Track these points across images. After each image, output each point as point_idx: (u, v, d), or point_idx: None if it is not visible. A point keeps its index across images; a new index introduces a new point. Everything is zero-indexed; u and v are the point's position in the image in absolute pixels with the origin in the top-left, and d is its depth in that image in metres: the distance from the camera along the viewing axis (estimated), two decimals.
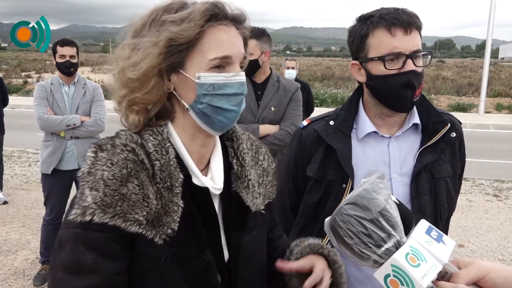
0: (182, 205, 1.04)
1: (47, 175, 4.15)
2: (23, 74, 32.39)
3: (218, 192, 1.14)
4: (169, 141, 1.08)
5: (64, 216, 1.03)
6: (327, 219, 1.13)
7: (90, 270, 0.96)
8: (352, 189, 1.54)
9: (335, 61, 56.70)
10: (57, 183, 4.17)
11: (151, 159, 1.03)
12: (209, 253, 1.08)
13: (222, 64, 1.05)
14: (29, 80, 27.46)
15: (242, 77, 1.08)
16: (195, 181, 1.10)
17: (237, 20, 1.09)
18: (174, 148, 1.08)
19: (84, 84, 4.27)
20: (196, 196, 1.09)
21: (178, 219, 1.03)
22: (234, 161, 1.20)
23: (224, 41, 1.05)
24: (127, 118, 1.09)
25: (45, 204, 4.30)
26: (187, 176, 1.08)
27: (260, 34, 3.24)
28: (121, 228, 0.97)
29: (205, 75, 1.04)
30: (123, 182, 0.98)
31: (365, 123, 1.61)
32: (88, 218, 0.95)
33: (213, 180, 1.14)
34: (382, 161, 1.58)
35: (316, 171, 1.62)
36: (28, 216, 5.93)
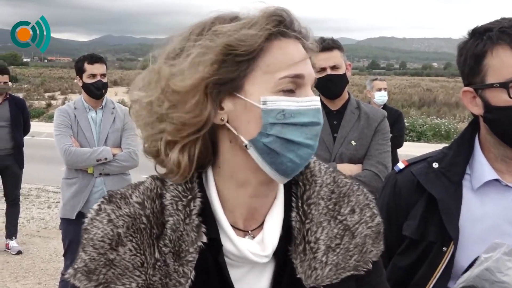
0: (192, 277, 1.03)
1: (69, 221, 4.24)
2: (46, 95, 34.52)
3: (265, 260, 1.09)
4: (199, 191, 1.07)
5: None
6: None
7: None
8: (453, 254, 1.51)
9: (438, 82, 55.89)
10: (81, 230, 4.30)
11: (165, 214, 1.05)
12: None
13: (291, 88, 1.02)
14: (53, 102, 29.17)
15: (317, 102, 1.05)
16: (227, 245, 1.07)
17: (303, 34, 1.08)
18: (202, 200, 1.07)
19: (113, 108, 4.38)
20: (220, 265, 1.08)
21: None
22: (293, 214, 1.13)
23: (295, 56, 1.03)
24: (164, 161, 1.06)
25: (64, 255, 4.42)
26: (214, 240, 1.07)
27: (340, 44, 3.32)
28: None
29: (273, 99, 1.01)
30: (113, 245, 1.04)
31: (483, 167, 1.58)
32: (76, 282, 1.05)
33: (263, 243, 1.10)
34: (507, 219, 1.54)
35: (416, 230, 1.61)
36: (45, 271, 6.20)
